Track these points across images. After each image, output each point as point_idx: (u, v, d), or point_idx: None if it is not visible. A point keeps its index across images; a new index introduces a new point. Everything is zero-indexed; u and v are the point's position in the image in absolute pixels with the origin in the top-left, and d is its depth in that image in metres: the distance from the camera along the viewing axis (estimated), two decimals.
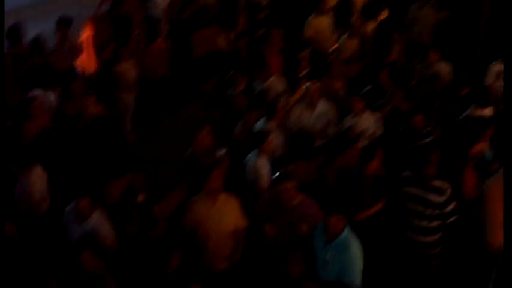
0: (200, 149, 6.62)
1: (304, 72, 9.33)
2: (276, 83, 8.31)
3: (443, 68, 8.77)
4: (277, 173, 5.77)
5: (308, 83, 7.96)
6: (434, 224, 5.67)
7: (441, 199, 5.59)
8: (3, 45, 6.54)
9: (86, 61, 9.77)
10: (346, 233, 5.01)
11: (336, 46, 9.95)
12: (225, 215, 5.64)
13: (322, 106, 7.73)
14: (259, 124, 7.22)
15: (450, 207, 5.64)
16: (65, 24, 8.92)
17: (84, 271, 5.11)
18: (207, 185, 5.67)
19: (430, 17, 10.15)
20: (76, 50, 9.39)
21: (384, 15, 10.55)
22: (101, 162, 6.61)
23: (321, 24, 9.96)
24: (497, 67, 8.39)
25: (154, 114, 9.57)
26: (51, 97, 7.90)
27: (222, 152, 6.75)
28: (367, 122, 7.46)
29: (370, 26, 10.03)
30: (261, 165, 6.43)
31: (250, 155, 6.64)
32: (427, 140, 7.01)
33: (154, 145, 8.90)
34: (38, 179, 6.33)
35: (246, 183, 6.56)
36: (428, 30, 10.15)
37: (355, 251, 4.98)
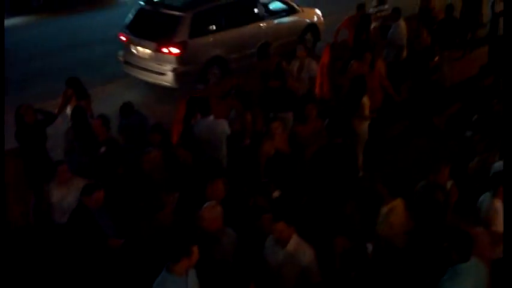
0: (437, 182, 6.43)
1: None
2: None
3: None
4: None
5: None
6: None
7: None
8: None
9: (321, 86, 10.13)
10: None
11: None
12: None
13: None
14: (498, 165, 6.80)
15: None
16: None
17: None
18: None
19: None
20: (313, 77, 9.82)
21: None
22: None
23: None
24: None
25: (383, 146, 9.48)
26: (290, 118, 8.28)
27: (450, 183, 6.50)
28: None
29: None
30: (498, 208, 6.04)
31: (485, 195, 6.29)
32: None
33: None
34: None
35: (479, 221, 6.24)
36: None
37: None
